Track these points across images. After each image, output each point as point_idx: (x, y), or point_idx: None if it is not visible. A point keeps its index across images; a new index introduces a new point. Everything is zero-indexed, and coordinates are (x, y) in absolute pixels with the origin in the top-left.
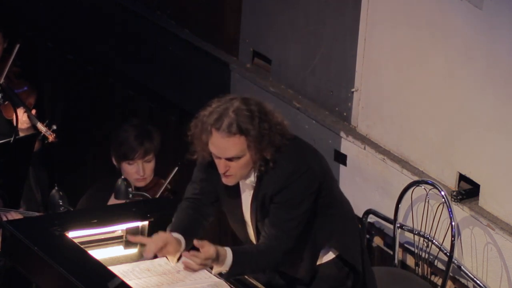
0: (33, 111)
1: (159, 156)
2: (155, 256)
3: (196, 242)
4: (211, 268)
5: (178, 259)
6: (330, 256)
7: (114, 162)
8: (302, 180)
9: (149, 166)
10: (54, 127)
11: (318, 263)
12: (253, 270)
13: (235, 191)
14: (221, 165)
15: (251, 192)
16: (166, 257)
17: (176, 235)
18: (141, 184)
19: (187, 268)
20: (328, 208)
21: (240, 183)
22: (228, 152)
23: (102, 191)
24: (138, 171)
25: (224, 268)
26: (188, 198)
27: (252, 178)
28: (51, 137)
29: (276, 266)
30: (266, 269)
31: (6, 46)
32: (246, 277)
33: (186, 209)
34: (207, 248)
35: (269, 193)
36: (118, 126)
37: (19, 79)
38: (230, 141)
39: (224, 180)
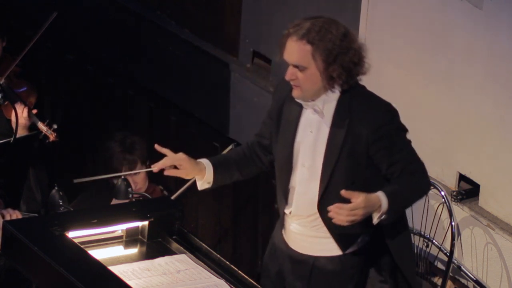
0: (34, 111)
1: (158, 158)
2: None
3: (344, 192)
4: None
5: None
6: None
7: None
8: (398, 119)
9: (139, 177)
10: (55, 126)
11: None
12: (408, 203)
13: (294, 122)
14: (288, 71)
15: (320, 125)
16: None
17: (204, 161)
18: None
19: (336, 219)
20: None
21: (302, 114)
22: (292, 56)
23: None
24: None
25: (383, 213)
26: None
27: (319, 105)
28: (52, 136)
29: (426, 188)
30: (419, 195)
31: (6, 45)
32: (246, 277)
33: (240, 147)
34: (355, 198)
35: (366, 131)
36: (117, 126)
37: (19, 79)
38: (296, 45)
39: (293, 92)
